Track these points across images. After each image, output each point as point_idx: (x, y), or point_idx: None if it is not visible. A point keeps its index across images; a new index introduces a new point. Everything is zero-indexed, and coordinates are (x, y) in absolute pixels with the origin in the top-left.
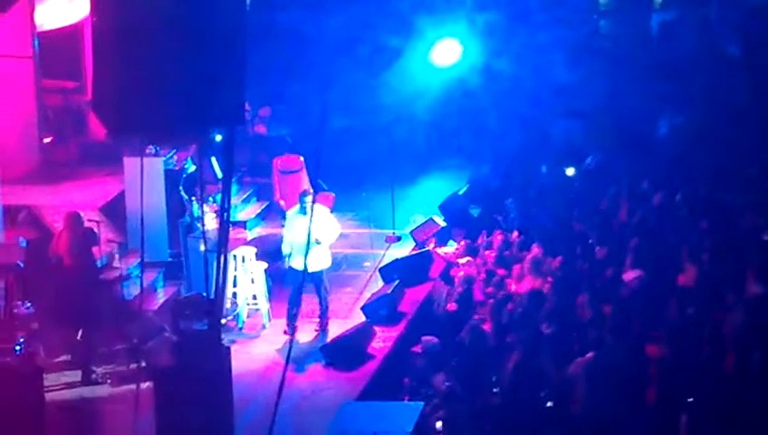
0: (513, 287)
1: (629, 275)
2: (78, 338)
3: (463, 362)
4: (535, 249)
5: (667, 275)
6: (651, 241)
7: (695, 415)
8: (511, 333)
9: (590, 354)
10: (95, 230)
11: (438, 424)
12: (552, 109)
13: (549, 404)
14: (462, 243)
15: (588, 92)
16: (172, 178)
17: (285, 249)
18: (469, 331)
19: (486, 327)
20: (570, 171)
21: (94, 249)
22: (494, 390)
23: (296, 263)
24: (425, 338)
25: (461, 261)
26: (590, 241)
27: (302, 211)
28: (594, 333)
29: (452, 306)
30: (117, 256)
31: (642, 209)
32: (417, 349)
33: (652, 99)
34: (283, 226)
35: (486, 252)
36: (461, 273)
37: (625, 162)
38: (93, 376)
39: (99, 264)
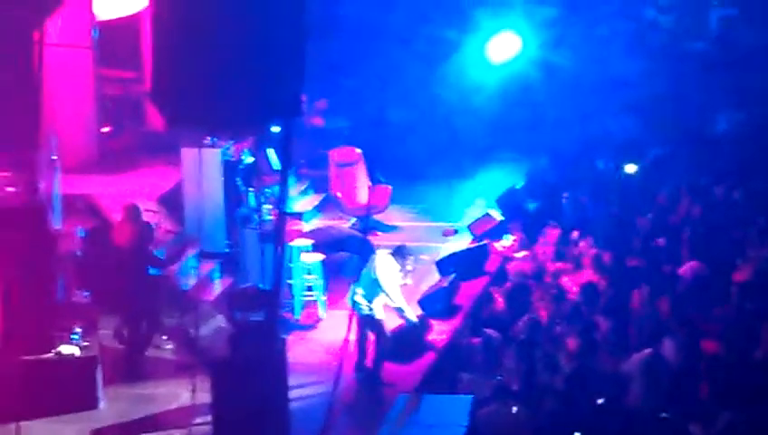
0: (569, 283)
1: (685, 268)
2: (135, 328)
3: (519, 356)
4: (594, 246)
5: (724, 271)
6: (709, 236)
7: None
8: (564, 326)
9: (647, 350)
10: (152, 222)
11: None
12: (610, 103)
13: (600, 401)
14: (517, 236)
15: (646, 87)
16: (230, 169)
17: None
18: (527, 325)
19: (542, 320)
20: (630, 168)
21: (150, 246)
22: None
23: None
24: (487, 330)
25: (517, 255)
26: (648, 236)
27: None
28: (650, 329)
29: (501, 302)
30: (174, 247)
31: (701, 204)
32: (476, 341)
33: (712, 94)
34: (340, 218)
35: (542, 247)
36: (514, 267)
37: (684, 157)
38: (149, 366)
39: (156, 255)
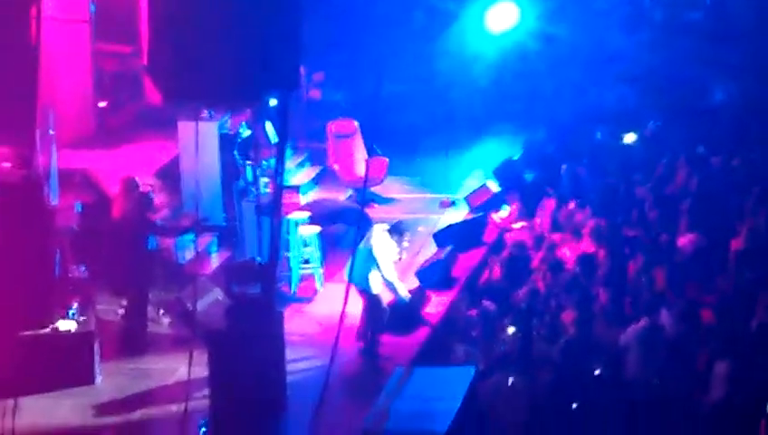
0: (567, 253)
1: (684, 240)
2: (132, 302)
3: (519, 326)
4: (592, 217)
5: (721, 240)
6: (707, 206)
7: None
8: (561, 297)
9: (643, 321)
10: (150, 195)
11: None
12: (608, 74)
13: (597, 371)
14: (515, 207)
15: (644, 58)
16: (227, 142)
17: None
18: (526, 295)
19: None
20: (629, 138)
21: (149, 214)
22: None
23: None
24: (485, 302)
25: (515, 226)
26: (646, 206)
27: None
28: (647, 299)
29: (497, 271)
30: (171, 220)
31: (698, 174)
32: (473, 313)
33: (708, 65)
34: (337, 190)
35: (539, 218)
36: (511, 238)
37: (681, 128)
38: (147, 340)
39: (153, 228)
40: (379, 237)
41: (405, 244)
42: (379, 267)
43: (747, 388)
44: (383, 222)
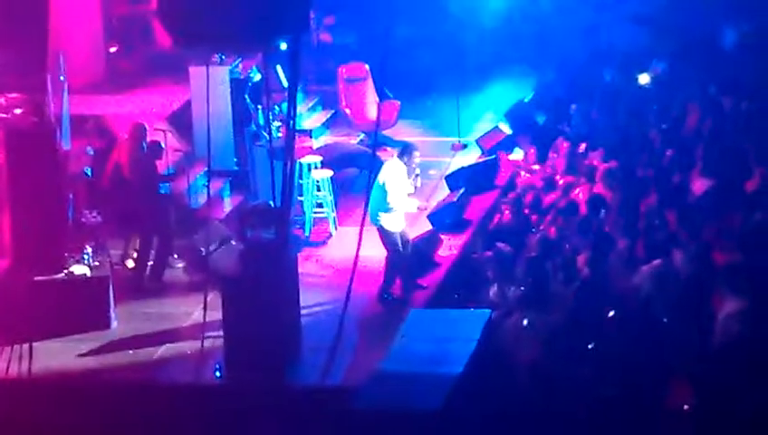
0: (581, 196)
1: (698, 185)
2: (146, 247)
3: (531, 271)
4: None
5: (735, 182)
6: (720, 147)
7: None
8: (574, 239)
9: (657, 261)
10: (161, 141)
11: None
12: (618, 14)
13: (611, 314)
14: (532, 151)
15: None
16: (238, 86)
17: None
18: (538, 242)
19: (551, 235)
20: (643, 78)
21: (161, 159)
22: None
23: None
24: (499, 244)
25: (534, 168)
26: (658, 147)
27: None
28: (661, 239)
29: (508, 214)
30: (183, 164)
31: (710, 114)
32: (488, 255)
33: (719, 4)
34: (349, 134)
35: (552, 161)
36: (523, 179)
37: (693, 69)
38: (161, 285)
39: (165, 173)
40: (390, 169)
41: (415, 166)
42: (388, 197)
43: (760, 328)
44: None
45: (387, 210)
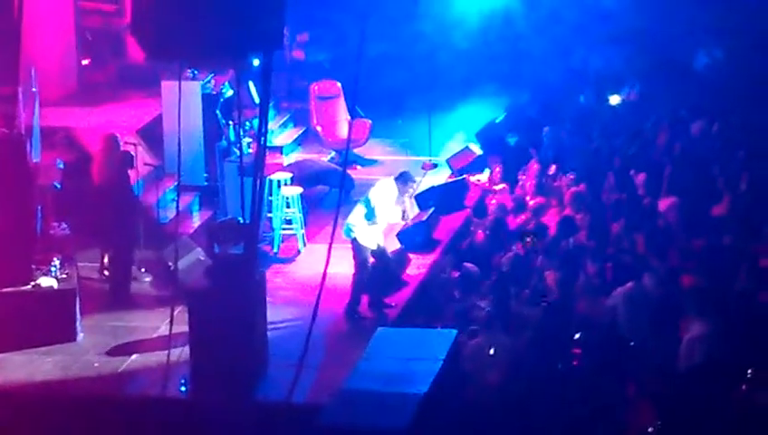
0: (550, 218)
1: (664, 203)
2: (114, 260)
3: (500, 289)
4: (575, 182)
5: (702, 204)
6: (688, 170)
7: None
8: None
9: (629, 284)
10: (132, 153)
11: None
12: (592, 36)
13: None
14: (497, 169)
15: (628, 20)
16: (209, 101)
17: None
18: (510, 260)
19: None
20: (614, 99)
21: (131, 172)
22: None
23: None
24: (466, 265)
25: (496, 187)
26: (628, 170)
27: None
28: (629, 262)
29: (480, 235)
30: (153, 178)
31: (680, 138)
32: (455, 275)
33: (693, 28)
34: (320, 151)
35: (523, 181)
36: (494, 201)
37: (664, 92)
38: (128, 298)
39: (135, 187)
40: (382, 187)
41: (408, 194)
42: (373, 215)
43: (726, 352)
44: (366, 183)
45: (370, 220)
